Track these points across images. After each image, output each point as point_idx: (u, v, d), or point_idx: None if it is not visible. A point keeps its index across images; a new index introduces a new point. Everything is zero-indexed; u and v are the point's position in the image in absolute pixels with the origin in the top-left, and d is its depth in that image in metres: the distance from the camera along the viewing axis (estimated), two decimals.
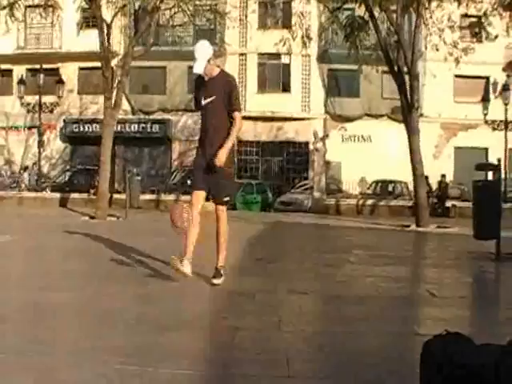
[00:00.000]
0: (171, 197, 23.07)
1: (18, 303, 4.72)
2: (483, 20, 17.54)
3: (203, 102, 5.63)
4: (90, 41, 22.09)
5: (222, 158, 5.48)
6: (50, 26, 30.46)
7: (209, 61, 5.57)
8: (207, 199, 5.84)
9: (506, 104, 28.07)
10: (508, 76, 30.36)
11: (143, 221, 16.28)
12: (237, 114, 5.65)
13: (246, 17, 29.37)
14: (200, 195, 5.66)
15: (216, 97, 5.57)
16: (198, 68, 5.58)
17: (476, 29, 18.59)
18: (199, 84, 5.74)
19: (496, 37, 18.48)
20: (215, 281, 5.53)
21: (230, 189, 5.87)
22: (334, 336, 3.95)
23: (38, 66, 28.45)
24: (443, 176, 25.86)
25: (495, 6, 17.14)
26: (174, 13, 20.12)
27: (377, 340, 3.86)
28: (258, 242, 10.93)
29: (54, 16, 25.07)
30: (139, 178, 20.72)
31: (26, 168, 29.46)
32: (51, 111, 31.71)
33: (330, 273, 6.96)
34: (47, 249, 8.73)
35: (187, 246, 5.53)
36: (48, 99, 30.40)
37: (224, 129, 5.63)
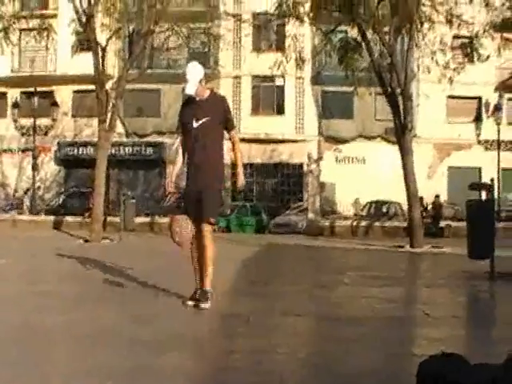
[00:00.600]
0: (165, 219, 23.04)
1: (12, 325, 4.68)
2: (475, 42, 17.72)
3: (195, 124, 5.56)
4: (84, 64, 22.20)
5: (242, 180, 5.63)
6: (45, 49, 30.61)
7: (200, 82, 5.58)
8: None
9: (498, 124, 28.28)
10: (500, 96, 30.65)
11: (137, 243, 16.23)
12: (234, 133, 5.70)
13: (240, 39, 29.61)
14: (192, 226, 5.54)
15: (210, 118, 5.54)
16: (190, 89, 5.57)
17: (468, 49, 18.76)
18: (188, 106, 5.71)
19: (488, 57, 18.67)
20: (202, 305, 5.37)
21: (217, 210, 5.75)
22: (329, 357, 3.93)
23: (32, 89, 28.56)
24: (437, 196, 25.93)
25: (486, 28, 17.32)
26: (168, 36, 20.30)
27: (372, 361, 3.84)
28: (252, 264, 10.90)
29: (49, 39, 25.23)
30: (134, 200, 20.72)
31: (27, 191, 29.35)
32: (45, 134, 31.73)
33: (325, 294, 6.94)
34: (41, 271, 8.69)
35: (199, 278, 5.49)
36: (42, 122, 30.45)
37: (218, 149, 5.63)
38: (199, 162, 5.57)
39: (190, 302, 5.46)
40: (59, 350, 4.08)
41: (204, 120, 5.54)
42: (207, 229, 5.47)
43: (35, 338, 4.32)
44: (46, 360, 3.71)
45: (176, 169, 5.83)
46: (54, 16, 28.24)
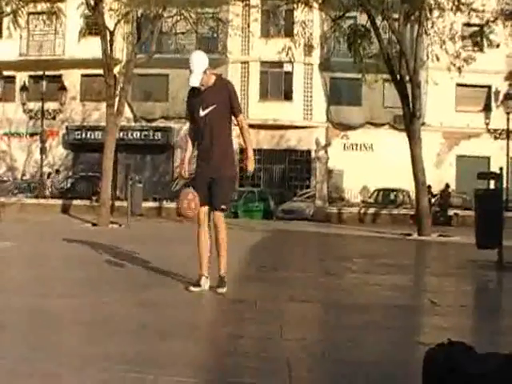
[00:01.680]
0: (173, 204, 23.07)
1: (19, 310, 4.71)
2: (485, 29, 17.56)
3: (202, 113, 5.53)
4: (92, 48, 22.16)
5: (252, 164, 5.56)
6: (53, 33, 30.56)
7: (205, 72, 5.48)
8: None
9: (507, 113, 28.07)
10: (510, 85, 30.40)
11: (145, 228, 16.27)
12: (241, 118, 5.65)
13: (249, 25, 29.45)
14: (205, 211, 5.59)
15: (217, 105, 5.50)
16: (195, 81, 5.48)
17: (478, 38, 18.59)
18: (194, 95, 5.63)
19: (498, 45, 18.52)
20: (220, 290, 5.47)
21: (229, 197, 5.82)
22: (336, 344, 3.93)
23: (40, 73, 28.52)
24: (447, 185, 25.82)
25: (497, 16, 17.16)
26: (177, 21, 20.20)
27: (378, 349, 3.84)
28: (259, 250, 10.92)
29: (57, 23, 25.16)
30: (141, 185, 20.72)
31: (49, 174, 29.32)
32: (54, 118, 31.77)
33: (332, 281, 6.95)
34: (48, 255, 8.73)
35: (202, 264, 5.54)
36: (50, 106, 30.47)
37: (227, 136, 5.62)
38: (209, 150, 5.56)
39: (194, 288, 5.48)
40: (65, 335, 4.09)
41: (211, 108, 5.51)
42: (219, 214, 5.53)
43: (41, 323, 4.34)
44: (53, 344, 3.73)
45: (187, 156, 5.82)
46: (63, 0, 28.14)
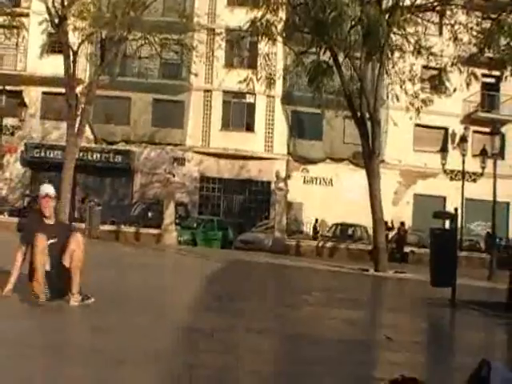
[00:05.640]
0: (131, 229, 22.81)
1: None
2: (442, 75, 18.04)
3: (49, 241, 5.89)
4: (55, 65, 21.93)
5: None
6: (15, 48, 30.17)
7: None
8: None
9: (463, 155, 28.77)
10: (465, 128, 31.29)
11: (101, 252, 15.98)
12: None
13: (213, 53, 29.66)
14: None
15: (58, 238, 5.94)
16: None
17: (436, 81, 19.10)
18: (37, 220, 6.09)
19: (454, 90, 19.06)
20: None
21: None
22: (291, 377, 3.92)
23: (0, 87, 28.07)
24: (402, 224, 26.20)
25: (454, 61, 17.67)
26: (141, 44, 20.23)
27: (333, 382, 3.85)
28: (217, 280, 10.84)
29: (19, 38, 24.89)
30: (100, 208, 20.46)
31: (83, 199, 28.54)
32: (12, 134, 31.19)
33: (289, 314, 6.94)
34: None
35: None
36: (9, 122, 29.94)
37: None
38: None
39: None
40: (18, 360, 3.98)
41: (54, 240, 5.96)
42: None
43: None
44: (4, 371, 3.62)
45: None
46: (26, 15, 27.86)
